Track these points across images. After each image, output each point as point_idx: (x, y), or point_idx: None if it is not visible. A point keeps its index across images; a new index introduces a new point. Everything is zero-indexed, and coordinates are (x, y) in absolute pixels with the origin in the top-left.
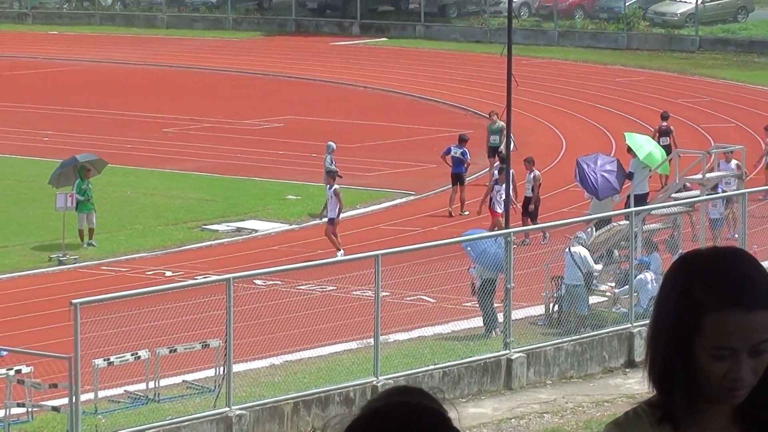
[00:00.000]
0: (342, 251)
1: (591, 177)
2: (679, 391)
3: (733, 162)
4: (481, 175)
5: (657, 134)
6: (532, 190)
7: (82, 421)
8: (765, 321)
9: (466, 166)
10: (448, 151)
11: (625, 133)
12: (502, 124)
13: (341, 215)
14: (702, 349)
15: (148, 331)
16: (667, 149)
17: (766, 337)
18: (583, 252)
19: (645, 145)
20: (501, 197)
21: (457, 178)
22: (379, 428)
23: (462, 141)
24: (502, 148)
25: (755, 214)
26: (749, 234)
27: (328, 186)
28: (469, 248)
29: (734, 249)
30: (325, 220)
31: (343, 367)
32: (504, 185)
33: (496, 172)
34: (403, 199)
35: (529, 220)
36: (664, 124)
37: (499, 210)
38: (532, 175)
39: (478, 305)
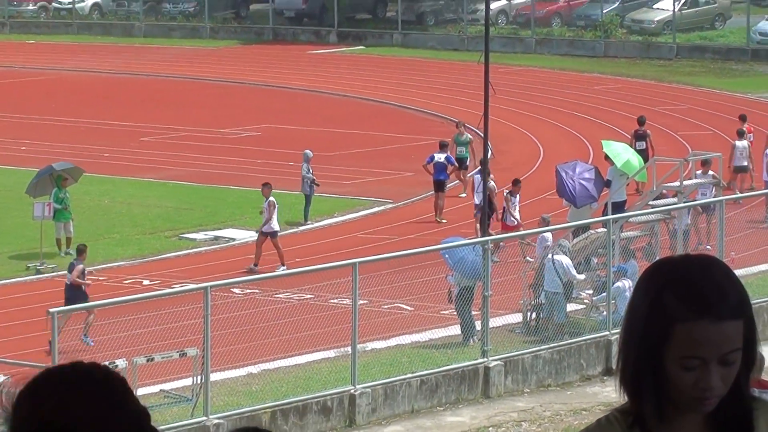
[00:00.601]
0: (282, 265)
1: (569, 185)
2: (649, 398)
3: (710, 173)
4: (454, 185)
5: (633, 139)
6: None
7: None
8: (734, 331)
9: (448, 173)
10: (431, 159)
11: (602, 141)
12: (469, 136)
13: (268, 228)
14: (671, 358)
15: (126, 340)
16: (644, 153)
17: (736, 346)
18: (566, 261)
19: (622, 153)
20: (516, 208)
21: (439, 185)
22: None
23: (443, 147)
24: (465, 158)
25: (745, 219)
26: (727, 241)
27: (265, 197)
28: (446, 256)
29: (706, 257)
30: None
31: (321, 375)
32: (518, 196)
33: (486, 182)
34: (381, 208)
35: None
36: (641, 128)
37: (514, 222)
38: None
39: (455, 313)
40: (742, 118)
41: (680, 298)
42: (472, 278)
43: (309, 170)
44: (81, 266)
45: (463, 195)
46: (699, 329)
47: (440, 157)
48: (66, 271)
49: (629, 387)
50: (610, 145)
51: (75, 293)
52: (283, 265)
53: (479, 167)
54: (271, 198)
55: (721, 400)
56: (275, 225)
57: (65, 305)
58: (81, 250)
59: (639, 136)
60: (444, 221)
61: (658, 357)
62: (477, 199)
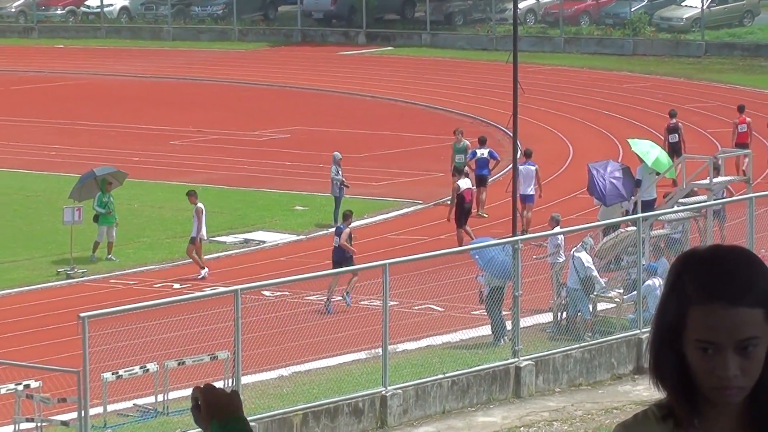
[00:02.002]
0: (206, 270)
1: (599, 183)
2: (674, 385)
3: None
4: (503, 174)
5: (666, 132)
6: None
7: None
8: (751, 318)
9: (490, 168)
10: (474, 155)
11: (629, 140)
12: (467, 142)
13: (200, 235)
14: (688, 343)
15: (157, 343)
16: (677, 146)
17: (753, 334)
18: (585, 257)
19: (651, 151)
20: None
21: (481, 180)
22: None
23: (483, 142)
24: (463, 166)
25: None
26: (757, 238)
27: (193, 204)
28: (477, 256)
29: (737, 248)
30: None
31: (352, 377)
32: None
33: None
34: (411, 208)
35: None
36: (673, 121)
37: None
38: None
39: (486, 313)
40: (740, 109)
41: (698, 281)
42: (502, 278)
43: (338, 172)
44: (348, 230)
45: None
46: (712, 312)
47: (483, 152)
48: (335, 235)
49: (657, 377)
50: (637, 143)
51: (342, 256)
52: (204, 268)
53: (525, 160)
54: (199, 204)
55: (760, 397)
56: (194, 231)
57: (333, 268)
58: (347, 216)
59: (671, 129)
60: (486, 216)
61: (677, 342)
62: (526, 190)
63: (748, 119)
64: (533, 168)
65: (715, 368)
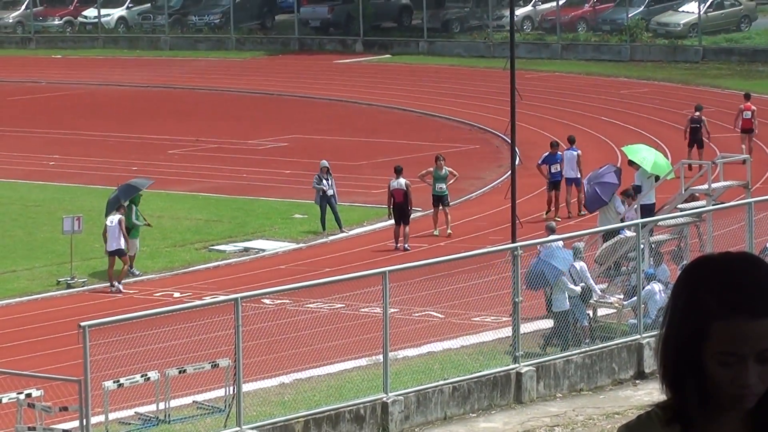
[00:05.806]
0: (119, 286)
1: (585, 190)
2: (690, 395)
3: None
4: (418, 215)
5: (689, 122)
6: (405, 196)
7: None
8: None
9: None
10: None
11: (624, 148)
12: (448, 169)
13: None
14: (709, 355)
15: (158, 352)
16: (698, 138)
17: None
18: (579, 265)
19: (648, 156)
20: None
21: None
22: None
23: (571, 142)
24: (446, 195)
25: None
26: (757, 243)
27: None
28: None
29: (746, 255)
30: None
31: (353, 384)
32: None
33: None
34: (410, 216)
35: (402, 226)
36: (697, 113)
37: None
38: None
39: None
40: (746, 97)
41: (717, 294)
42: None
43: (321, 180)
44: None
45: (436, 233)
46: (735, 325)
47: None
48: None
49: (670, 384)
50: (633, 150)
51: None
52: (119, 283)
53: (569, 146)
54: (120, 216)
55: (763, 399)
56: (118, 244)
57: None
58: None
59: (694, 121)
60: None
61: (696, 353)
62: (570, 173)
63: (753, 107)
64: (576, 153)
65: (736, 377)
